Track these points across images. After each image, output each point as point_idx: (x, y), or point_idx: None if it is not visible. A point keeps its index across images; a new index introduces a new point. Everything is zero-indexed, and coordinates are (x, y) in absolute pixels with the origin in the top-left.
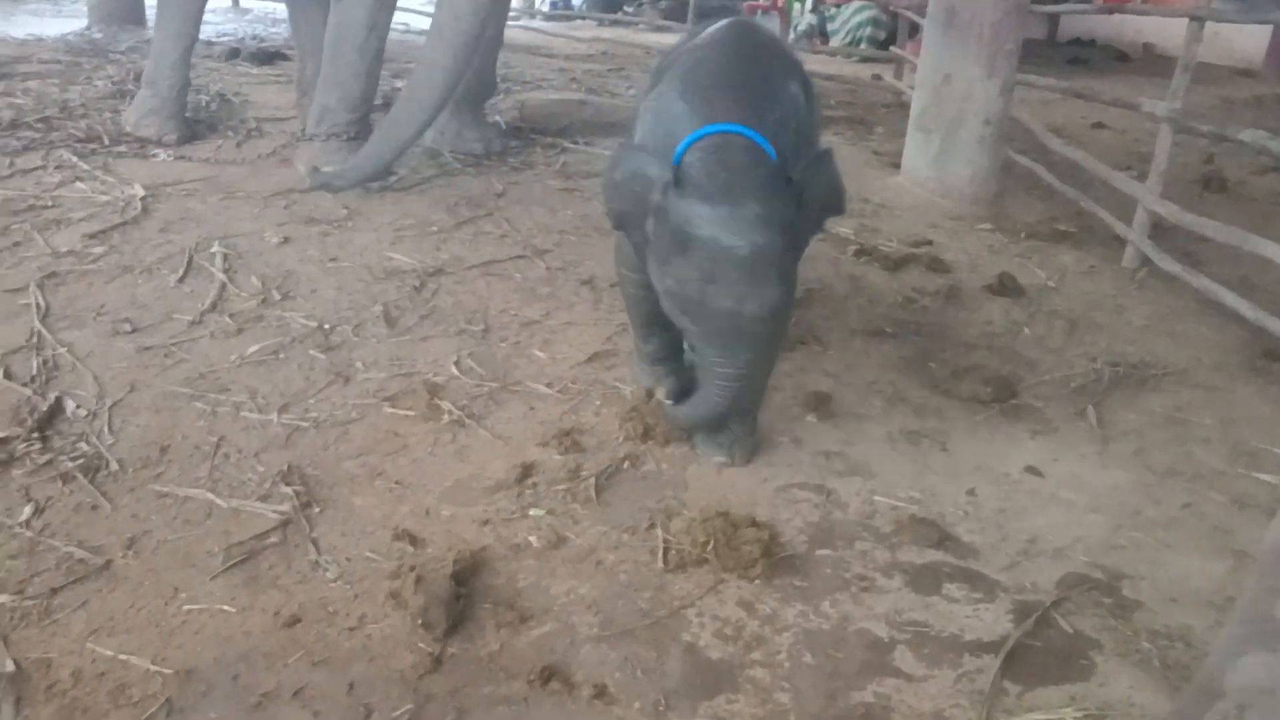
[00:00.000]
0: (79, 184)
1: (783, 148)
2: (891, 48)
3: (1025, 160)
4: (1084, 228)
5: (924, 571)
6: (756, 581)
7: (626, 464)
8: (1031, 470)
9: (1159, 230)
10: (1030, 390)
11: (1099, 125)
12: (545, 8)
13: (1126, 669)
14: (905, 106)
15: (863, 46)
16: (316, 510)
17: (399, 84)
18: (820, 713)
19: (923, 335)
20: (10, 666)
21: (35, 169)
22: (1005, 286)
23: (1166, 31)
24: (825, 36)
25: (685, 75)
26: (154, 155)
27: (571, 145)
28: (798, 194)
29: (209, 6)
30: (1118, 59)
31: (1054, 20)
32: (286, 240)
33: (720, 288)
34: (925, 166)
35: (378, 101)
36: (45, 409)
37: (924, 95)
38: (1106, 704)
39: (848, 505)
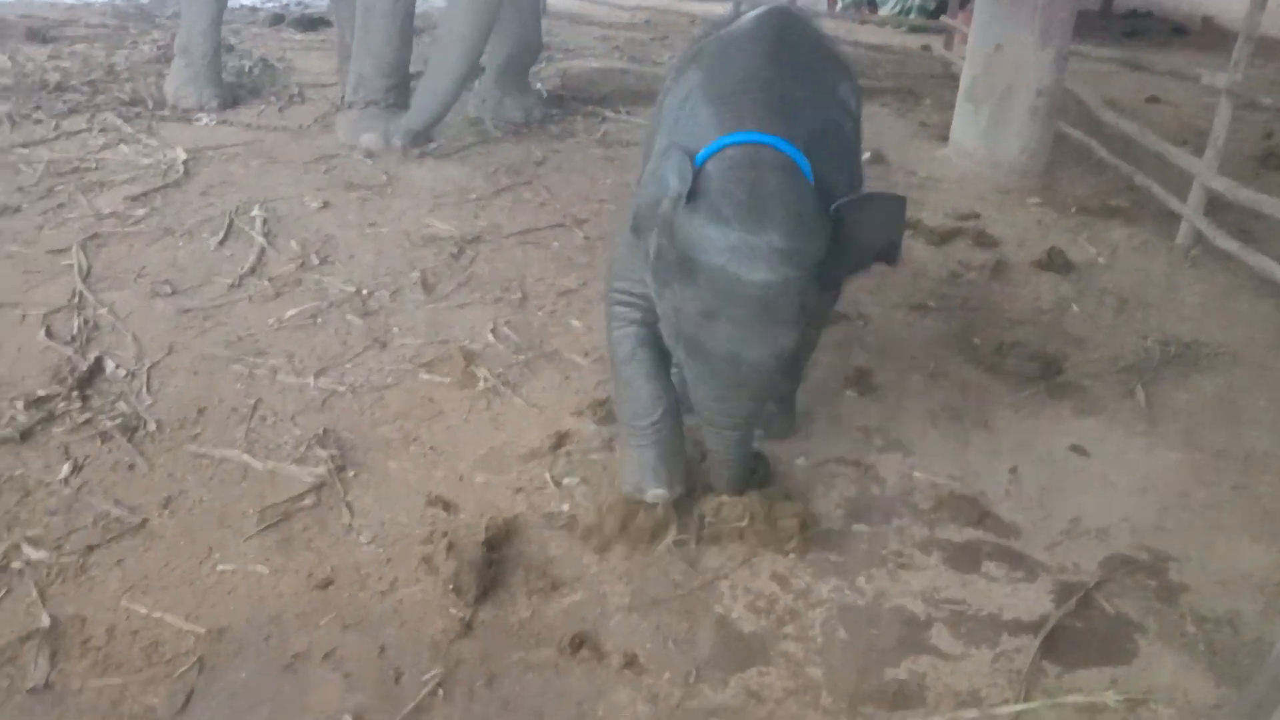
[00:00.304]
0: (122, 147)
1: (822, 168)
2: (942, 17)
3: (1078, 133)
4: (1137, 203)
5: (963, 549)
6: (791, 555)
7: None
8: (1076, 449)
9: (1215, 206)
10: (1077, 368)
11: (1154, 99)
12: None
13: (1171, 653)
14: (954, 78)
15: (912, 16)
16: (351, 474)
17: None
18: (853, 689)
19: (967, 310)
20: (46, 621)
21: (80, 131)
22: (1054, 262)
23: (1225, 4)
24: (874, 6)
25: (716, 69)
26: (197, 119)
27: (613, 114)
28: (835, 227)
29: None
30: (1175, 32)
31: None
32: (326, 205)
33: (720, 327)
34: (974, 138)
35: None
36: (85, 368)
37: (975, 64)
38: (1150, 688)
39: (886, 481)
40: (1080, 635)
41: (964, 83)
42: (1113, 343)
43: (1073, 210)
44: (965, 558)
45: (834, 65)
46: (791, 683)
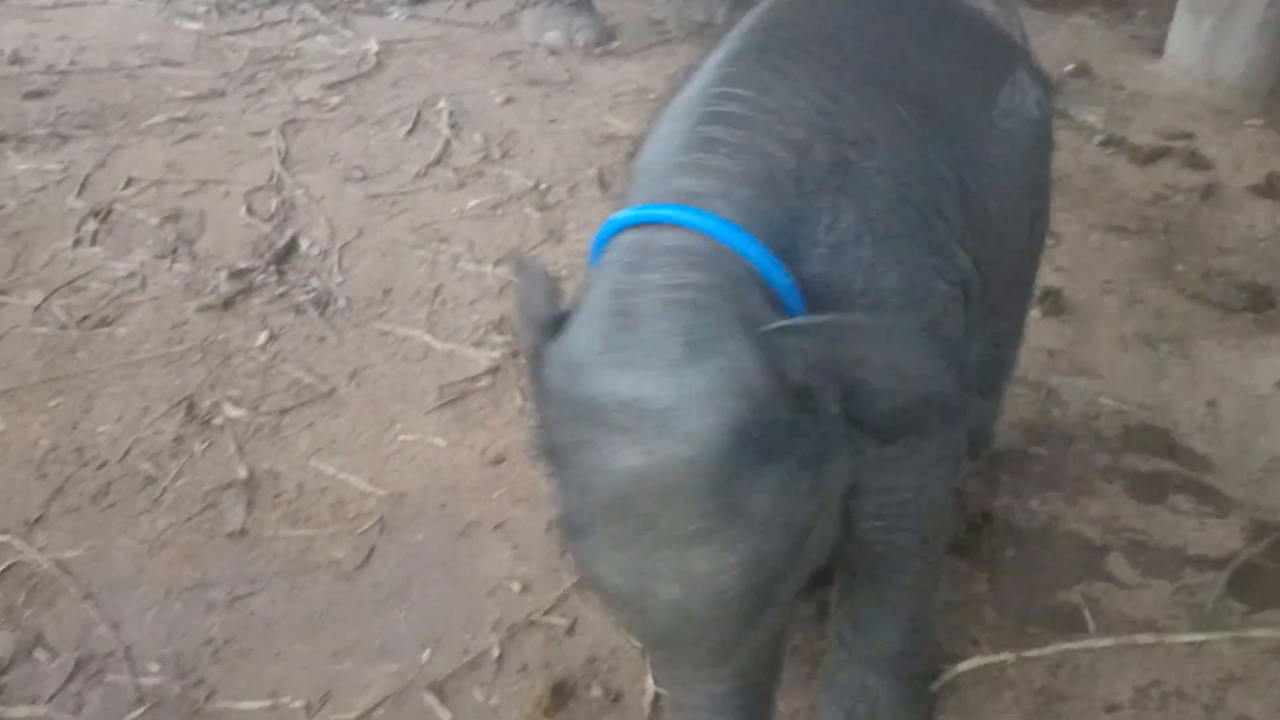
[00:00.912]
0: (319, 37)
1: (836, 264)
2: None
3: None
4: None
5: (1149, 480)
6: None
7: None
8: None
9: None
10: None
11: None
12: None
13: None
14: None
15: None
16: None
17: None
18: (1021, 607)
19: (1171, 234)
20: (243, 473)
21: (281, 22)
22: (1273, 188)
23: None
24: None
25: (731, 58)
26: (388, 13)
27: None
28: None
29: None
30: None
31: None
32: (509, 100)
33: (603, 550)
34: (1192, 52)
35: None
36: (282, 245)
37: None
38: None
39: (1069, 405)
40: (1272, 575)
41: None
42: None
43: None
44: (1150, 488)
45: (995, 57)
46: (954, 595)
